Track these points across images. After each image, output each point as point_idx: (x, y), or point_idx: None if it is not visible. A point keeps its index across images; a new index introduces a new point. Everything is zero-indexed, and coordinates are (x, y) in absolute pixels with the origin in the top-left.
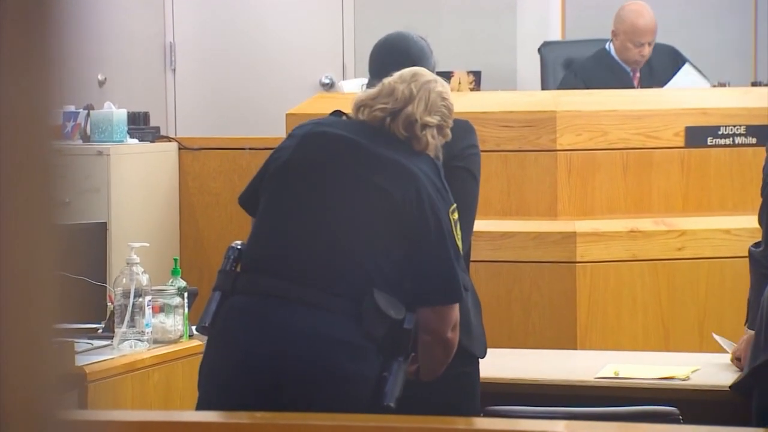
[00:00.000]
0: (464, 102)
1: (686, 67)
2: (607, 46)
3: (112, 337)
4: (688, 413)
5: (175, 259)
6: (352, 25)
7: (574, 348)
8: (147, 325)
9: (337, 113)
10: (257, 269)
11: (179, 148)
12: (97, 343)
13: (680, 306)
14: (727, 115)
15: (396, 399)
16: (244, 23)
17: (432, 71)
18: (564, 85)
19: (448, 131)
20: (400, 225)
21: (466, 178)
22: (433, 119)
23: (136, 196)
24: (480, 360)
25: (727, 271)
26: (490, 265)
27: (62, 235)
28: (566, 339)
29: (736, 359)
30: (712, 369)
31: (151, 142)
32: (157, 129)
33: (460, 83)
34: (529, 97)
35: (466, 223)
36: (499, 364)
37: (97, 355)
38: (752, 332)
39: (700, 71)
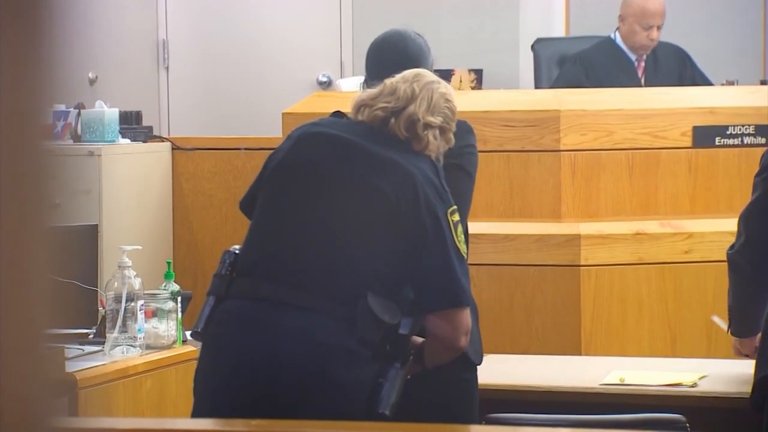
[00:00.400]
0: (465, 101)
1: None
2: (612, 35)
3: (103, 343)
4: (696, 421)
5: (169, 263)
6: (350, 21)
7: (579, 354)
8: (139, 330)
9: (338, 114)
10: (251, 273)
11: (172, 149)
12: (88, 348)
13: (687, 310)
14: (736, 114)
15: (392, 406)
16: (239, 20)
17: (430, 70)
18: (565, 74)
19: (452, 136)
20: (396, 225)
21: (459, 175)
22: (436, 120)
23: (128, 197)
24: (481, 366)
25: None
26: (491, 268)
27: (53, 237)
28: (570, 344)
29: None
30: (720, 375)
31: (144, 142)
32: (150, 129)
33: (461, 82)
34: (532, 95)
35: (462, 219)
36: (501, 370)
37: (88, 361)
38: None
39: (703, 76)
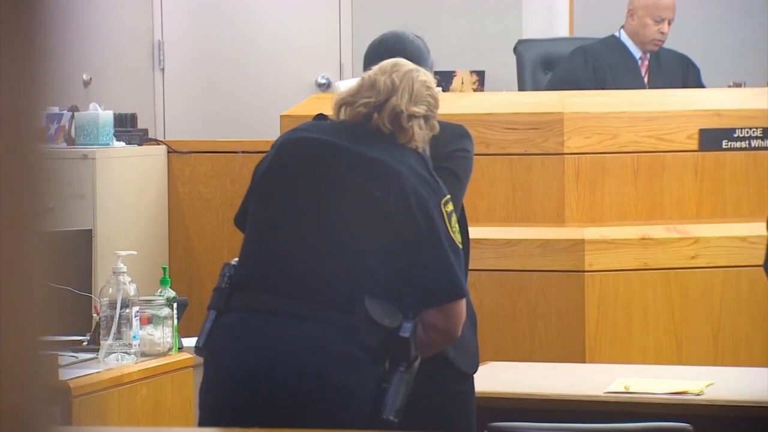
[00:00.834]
0: (467, 103)
1: None
2: (617, 34)
3: (97, 350)
4: (702, 430)
5: (164, 268)
6: (349, 22)
7: (583, 361)
8: (134, 337)
9: (320, 117)
10: (248, 286)
11: (168, 152)
12: (81, 356)
13: (694, 317)
14: (743, 116)
15: (397, 411)
16: (236, 20)
17: (430, 72)
18: (569, 66)
19: (436, 123)
20: (388, 226)
21: (449, 179)
22: (419, 109)
23: (123, 202)
24: (482, 374)
25: (743, 280)
26: (494, 274)
27: (46, 242)
28: (574, 352)
29: None
30: (727, 383)
31: (139, 145)
32: (145, 131)
33: (462, 83)
34: (535, 97)
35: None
36: (503, 378)
37: (82, 369)
38: None
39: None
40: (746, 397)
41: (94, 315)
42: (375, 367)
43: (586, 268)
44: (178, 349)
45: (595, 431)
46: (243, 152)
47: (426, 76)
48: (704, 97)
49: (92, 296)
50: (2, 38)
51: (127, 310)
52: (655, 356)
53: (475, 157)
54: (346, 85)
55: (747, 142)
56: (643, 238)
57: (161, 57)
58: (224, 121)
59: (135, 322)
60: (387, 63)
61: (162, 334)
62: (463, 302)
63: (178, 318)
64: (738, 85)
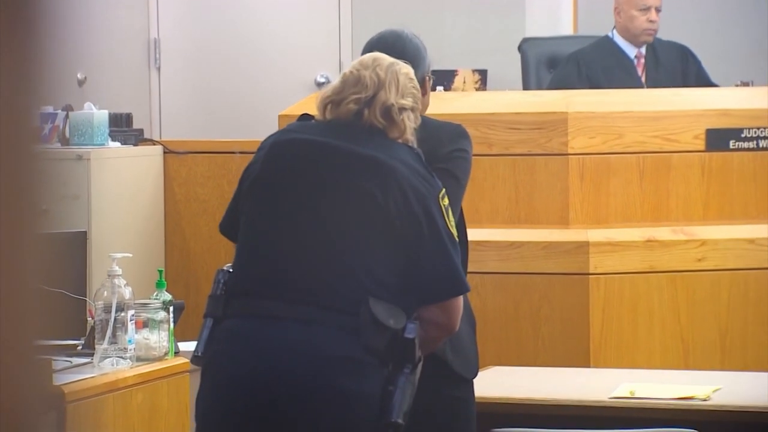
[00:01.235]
0: (469, 102)
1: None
2: (610, 34)
3: (92, 355)
4: None
5: (160, 271)
6: (349, 19)
7: (587, 366)
8: (130, 341)
9: (305, 116)
10: (245, 292)
11: (164, 152)
12: (76, 360)
13: (700, 321)
14: (751, 116)
15: (404, 414)
16: (233, 18)
17: (427, 73)
18: (557, 75)
19: (418, 114)
20: (388, 225)
21: (448, 181)
22: (407, 101)
23: (118, 203)
24: (484, 378)
25: (750, 283)
26: (496, 276)
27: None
28: (578, 356)
29: None
30: (734, 388)
31: (135, 145)
32: (141, 131)
33: (465, 82)
34: (539, 97)
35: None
36: (506, 383)
37: (76, 374)
38: None
39: (706, 74)
40: (754, 403)
41: (89, 319)
42: (380, 369)
43: (591, 271)
44: (175, 353)
45: None
46: (241, 152)
47: (407, 68)
48: (711, 96)
49: (87, 299)
50: None
51: (123, 314)
52: (661, 361)
53: (477, 157)
54: None
55: (755, 142)
56: (648, 240)
57: (157, 55)
58: (221, 121)
59: (130, 326)
60: (367, 58)
61: (158, 339)
62: (461, 298)
63: (175, 322)
64: (746, 84)
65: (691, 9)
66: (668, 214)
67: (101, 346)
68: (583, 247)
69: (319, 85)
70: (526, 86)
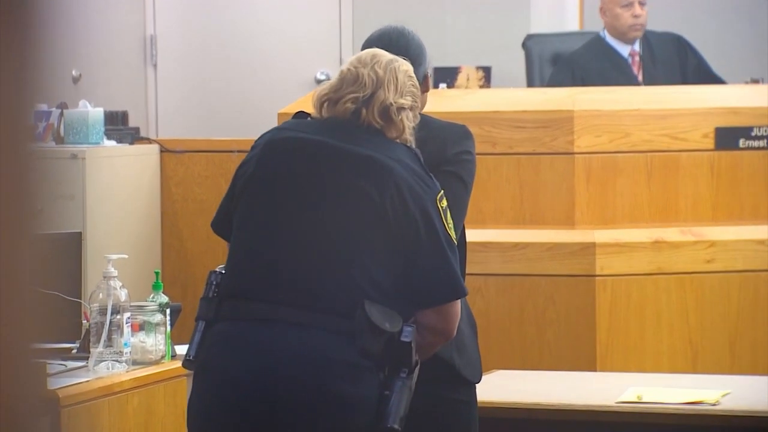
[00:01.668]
0: (473, 100)
1: None
2: (601, 34)
3: (87, 358)
4: None
5: (157, 273)
6: (350, 15)
7: (594, 369)
8: (125, 344)
9: (301, 114)
10: (239, 295)
11: (161, 151)
12: (71, 364)
13: (709, 323)
14: (761, 114)
15: (401, 420)
16: (232, 14)
17: (426, 71)
18: (551, 80)
19: (417, 113)
20: (385, 226)
21: (454, 183)
22: (406, 101)
23: (113, 203)
24: (488, 383)
25: (760, 285)
26: (500, 278)
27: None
28: (584, 359)
29: None
30: (744, 393)
31: (131, 144)
32: (137, 130)
33: (468, 80)
34: (544, 94)
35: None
36: (510, 387)
37: (71, 378)
38: None
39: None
40: (764, 408)
41: (84, 321)
42: (376, 373)
43: (597, 273)
44: (171, 357)
45: None
46: (239, 151)
47: (406, 66)
48: (721, 94)
49: (82, 302)
50: None
51: (118, 317)
52: (669, 364)
53: (481, 156)
54: None
55: (765, 141)
56: (656, 241)
57: (153, 52)
58: (219, 119)
59: (126, 329)
60: (365, 55)
61: (154, 342)
62: (459, 302)
63: (171, 324)
64: (756, 81)
65: (700, 5)
66: (676, 215)
67: (96, 350)
68: (589, 248)
69: (319, 82)
70: (530, 83)
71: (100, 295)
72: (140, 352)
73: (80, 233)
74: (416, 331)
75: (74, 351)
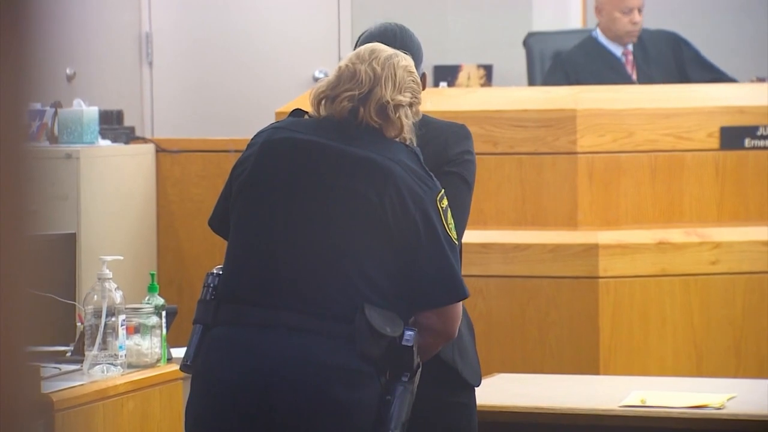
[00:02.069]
0: (474, 99)
1: None
2: (593, 33)
3: (81, 361)
4: None
5: (152, 274)
6: (349, 12)
7: (597, 373)
8: (120, 347)
9: (298, 112)
10: (237, 299)
11: (157, 151)
12: (65, 367)
13: (714, 326)
14: (767, 113)
15: (402, 424)
16: (228, 12)
17: (422, 69)
18: (549, 81)
19: (419, 109)
20: (384, 228)
21: (459, 185)
22: (405, 97)
23: (108, 203)
24: (489, 386)
25: (766, 287)
26: (502, 280)
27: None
28: (587, 363)
29: None
30: (749, 397)
31: (126, 143)
32: (132, 129)
33: (469, 78)
34: (546, 93)
35: (458, 233)
36: (512, 391)
37: (65, 381)
38: None
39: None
40: None
41: (78, 324)
42: (377, 378)
43: (600, 274)
44: (167, 360)
45: None
46: (236, 151)
47: (406, 61)
48: (726, 92)
49: (76, 304)
50: None
51: (113, 319)
52: (673, 368)
53: (482, 156)
54: None
55: None
56: (660, 243)
57: (149, 50)
58: (216, 118)
59: (121, 332)
60: (364, 50)
61: (150, 345)
62: (460, 303)
63: (167, 327)
64: (761, 80)
65: (704, 3)
66: (681, 216)
67: (91, 353)
68: (592, 249)
69: (318, 80)
70: (531, 82)
71: (95, 297)
72: (135, 355)
73: (74, 234)
74: (420, 335)
75: (68, 354)
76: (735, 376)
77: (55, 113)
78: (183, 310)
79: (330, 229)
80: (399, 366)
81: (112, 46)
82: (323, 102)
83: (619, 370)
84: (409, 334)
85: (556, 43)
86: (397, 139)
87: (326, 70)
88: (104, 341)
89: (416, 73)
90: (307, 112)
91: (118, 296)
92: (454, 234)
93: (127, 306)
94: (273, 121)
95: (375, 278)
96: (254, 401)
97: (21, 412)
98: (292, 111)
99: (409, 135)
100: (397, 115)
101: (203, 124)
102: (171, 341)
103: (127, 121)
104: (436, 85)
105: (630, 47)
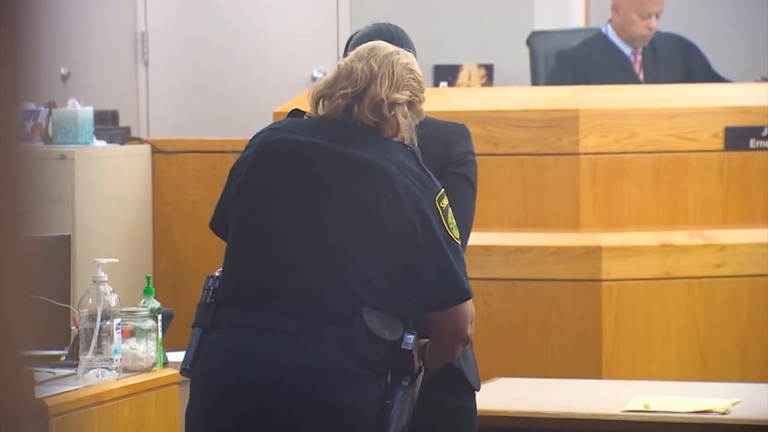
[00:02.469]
0: (475, 99)
1: None
2: (603, 30)
3: (76, 365)
4: None
5: (148, 277)
6: (347, 12)
7: (599, 377)
8: (116, 351)
9: (296, 112)
10: (236, 303)
11: (153, 152)
12: (59, 371)
13: (719, 329)
14: None
15: (402, 429)
16: (225, 10)
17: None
18: (551, 77)
19: (422, 108)
20: (382, 231)
21: (464, 187)
22: (402, 95)
23: (103, 205)
24: (491, 390)
25: None
26: (503, 283)
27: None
28: (590, 367)
29: None
30: (755, 401)
31: (121, 144)
32: (128, 130)
33: (470, 78)
34: (548, 93)
35: (463, 237)
36: (513, 395)
37: (59, 386)
38: None
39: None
40: None
41: (73, 327)
42: (377, 383)
43: (603, 277)
44: (163, 364)
45: None
46: (233, 152)
47: (407, 58)
48: (731, 92)
49: (70, 307)
50: None
51: (108, 323)
52: (677, 372)
53: (483, 157)
54: None
55: None
56: (664, 245)
57: (145, 49)
58: (213, 119)
59: (116, 336)
60: (364, 48)
61: (145, 348)
62: (468, 303)
63: (163, 331)
64: (766, 80)
65: (709, 3)
66: (685, 217)
67: (86, 357)
68: (595, 251)
69: (316, 80)
70: (534, 82)
71: (90, 300)
72: (131, 359)
73: (69, 236)
74: (432, 338)
75: (63, 358)
76: (740, 380)
77: (50, 113)
78: (179, 313)
79: (327, 232)
80: (399, 370)
81: (108, 45)
82: (321, 101)
83: (622, 374)
84: (408, 337)
85: (559, 42)
86: (395, 139)
87: (325, 69)
88: (99, 345)
89: (418, 72)
90: (305, 112)
91: (113, 299)
92: (456, 233)
93: (123, 309)
94: (271, 121)
95: (374, 281)
96: (253, 405)
97: (15, 417)
98: (291, 111)
99: (407, 134)
100: (393, 113)
101: (200, 124)
102: (167, 345)
103: (123, 122)
104: (436, 84)
105: (640, 48)
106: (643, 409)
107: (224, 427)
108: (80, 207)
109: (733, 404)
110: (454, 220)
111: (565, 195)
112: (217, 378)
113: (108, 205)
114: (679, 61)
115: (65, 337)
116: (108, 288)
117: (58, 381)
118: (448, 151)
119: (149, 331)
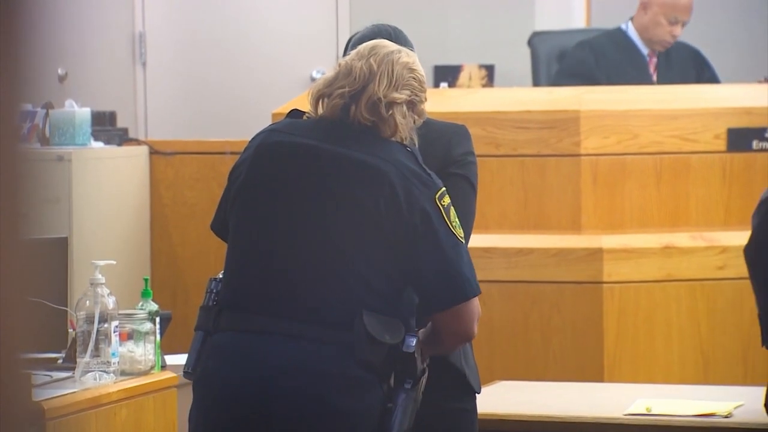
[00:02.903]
0: (475, 100)
1: None
2: (623, 26)
3: (73, 368)
4: None
5: (146, 279)
6: (347, 12)
7: (601, 380)
8: (113, 354)
9: (295, 113)
10: (237, 306)
11: (150, 153)
12: (56, 375)
13: (721, 332)
14: None
15: None
16: (224, 10)
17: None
18: (569, 61)
19: (423, 108)
20: (381, 233)
21: (465, 188)
22: (401, 95)
23: (101, 207)
24: (491, 393)
25: None
26: (504, 285)
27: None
28: (591, 370)
29: None
30: (757, 405)
31: (119, 145)
32: (125, 131)
33: (470, 78)
34: (549, 94)
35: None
36: (514, 398)
37: (57, 389)
38: None
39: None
40: None
41: (70, 330)
42: (379, 386)
43: (605, 279)
44: (161, 367)
45: None
46: (231, 153)
47: (408, 57)
48: (733, 93)
49: (68, 310)
50: None
51: (106, 325)
52: (679, 375)
53: (484, 158)
54: None
55: None
56: (666, 247)
57: (142, 50)
58: (211, 120)
59: (114, 338)
60: (365, 47)
61: (143, 351)
62: (474, 301)
63: (161, 333)
64: None
65: (714, 3)
66: (687, 219)
67: (83, 360)
68: (596, 253)
69: (315, 80)
70: (536, 83)
71: (87, 302)
72: (129, 362)
73: (66, 238)
74: (436, 338)
75: (60, 361)
76: (743, 383)
77: (47, 114)
78: (177, 316)
79: (327, 234)
80: (401, 373)
81: (105, 45)
82: (321, 100)
83: (623, 377)
84: (410, 340)
85: (561, 42)
86: (394, 139)
87: (324, 70)
88: (97, 348)
89: (419, 71)
90: (304, 113)
91: (110, 302)
92: (459, 232)
93: (120, 312)
94: (270, 122)
95: (374, 283)
96: (253, 408)
97: (12, 420)
98: (290, 112)
99: (406, 134)
100: (390, 112)
101: (198, 125)
102: (165, 348)
103: (120, 123)
104: (436, 85)
105: (656, 51)
106: (646, 412)
107: (225, 430)
108: (77, 209)
109: (736, 407)
110: (457, 219)
111: (567, 196)
112: (217, 380)
113: (105, 206)
114: (692, 71)
115: (62, 339)
116: (105, 290)
117: (55, 384)
118: (449, 152)
119: (147, 333)
